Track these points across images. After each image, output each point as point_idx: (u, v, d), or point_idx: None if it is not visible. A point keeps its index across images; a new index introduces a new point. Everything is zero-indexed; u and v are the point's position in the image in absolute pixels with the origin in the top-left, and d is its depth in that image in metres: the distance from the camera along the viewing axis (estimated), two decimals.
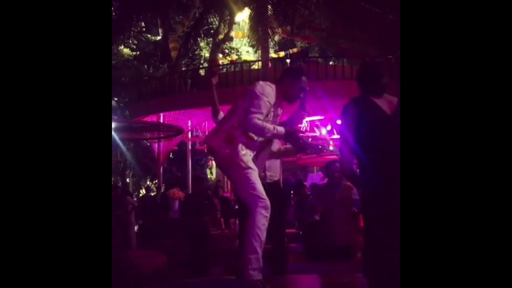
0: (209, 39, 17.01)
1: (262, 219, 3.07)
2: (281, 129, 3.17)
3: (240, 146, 3.18)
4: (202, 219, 7.12)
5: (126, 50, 19.16)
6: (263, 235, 3.06)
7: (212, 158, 19.77)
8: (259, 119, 3.12)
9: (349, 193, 5.00)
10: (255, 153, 3.31)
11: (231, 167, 3.21)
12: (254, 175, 3.16)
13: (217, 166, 3.14)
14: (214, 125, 3.48)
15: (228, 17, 14.44)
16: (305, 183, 10.93)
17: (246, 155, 3.19)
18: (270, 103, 3.18)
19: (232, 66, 14.67)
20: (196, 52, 18.79)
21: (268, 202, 3.10)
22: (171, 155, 17.15)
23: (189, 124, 13.64)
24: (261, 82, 3.27)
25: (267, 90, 3.19)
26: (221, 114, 4.20)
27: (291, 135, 3.20)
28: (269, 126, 3.14)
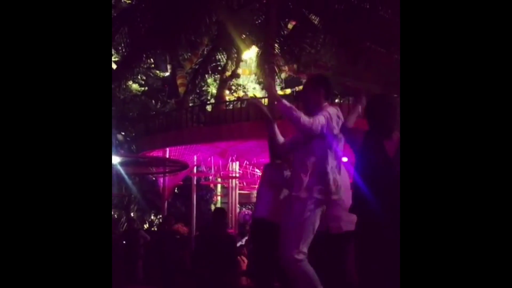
0: (216, 76, 17.24)
1: None
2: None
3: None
4: None
5: (135, 86, 19.43)
6: None
7: (216, 194, 19.71)
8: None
9: None
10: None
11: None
12: None
13: None
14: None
15: (236, 55, 14.65)
16: None
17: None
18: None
19: (239, 103, 14.81)
20: (203, 88, 19.01)
21: None
22: (176, 190, 17.11)
23: (195, 159, 13.67)
24: None
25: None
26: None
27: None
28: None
